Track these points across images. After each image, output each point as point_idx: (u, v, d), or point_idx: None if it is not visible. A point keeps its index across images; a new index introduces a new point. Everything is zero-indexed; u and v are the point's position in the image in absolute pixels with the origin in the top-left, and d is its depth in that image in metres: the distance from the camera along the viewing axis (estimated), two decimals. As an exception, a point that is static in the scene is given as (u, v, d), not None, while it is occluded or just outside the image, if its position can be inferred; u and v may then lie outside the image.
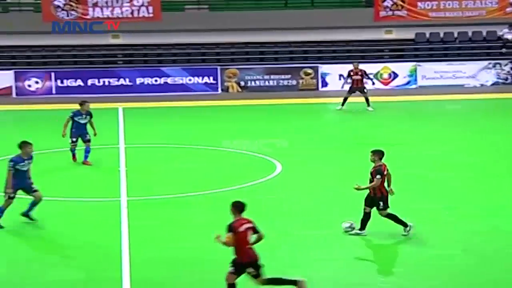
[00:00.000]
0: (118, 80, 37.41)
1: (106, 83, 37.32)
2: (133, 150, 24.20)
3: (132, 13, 38.96)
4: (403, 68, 38.50)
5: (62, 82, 37.16)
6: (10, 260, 14.42)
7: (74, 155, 21.99)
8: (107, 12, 38.87)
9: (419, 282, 13.28)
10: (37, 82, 37.05)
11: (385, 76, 38.31)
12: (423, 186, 19.73)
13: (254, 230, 11.90)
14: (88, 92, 36.39)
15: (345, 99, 31.58)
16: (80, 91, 36.43)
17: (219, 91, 37.80)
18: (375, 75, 38.10)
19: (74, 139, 21.89)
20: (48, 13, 38.59)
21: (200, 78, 37.76)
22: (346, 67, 37.53)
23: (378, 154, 15.45)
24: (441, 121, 30.06)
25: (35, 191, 16.15)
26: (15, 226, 15.74)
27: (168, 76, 37.68)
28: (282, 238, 15.42)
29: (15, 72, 37.02)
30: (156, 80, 37.60)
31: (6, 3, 41.11)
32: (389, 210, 15.36)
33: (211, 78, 37.78)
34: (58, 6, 38.58)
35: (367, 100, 31.66)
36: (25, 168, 16.01)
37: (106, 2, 38.77)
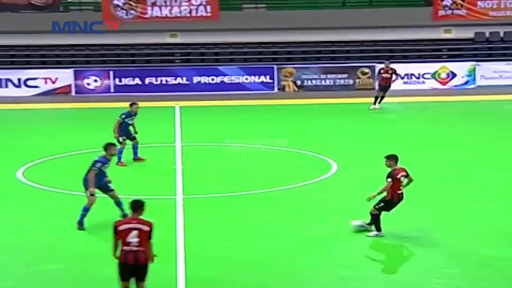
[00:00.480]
0: (175, 79, 37.68)
1: (164, 82, 37.63)
2: (189, 149, 24.35)
3: (190, 12, 39.23)
4: (461, 68, 38.07)
5: (120, 81, 37.56)
6: (67, 256, 14.62)
7: (120, 158, 21.80)
8: (165, 11, 39.21)
9: (476, 283, 13.13)
10: (96, 81, 37.50)
11: (443, 76, 37.94)
12: (480, 186, 19.50)
13: (148, 235, 11.09)
14: (145, 91, 36.79)
15: (379, 98, 31.62)
16: (138, 90, 36.82)
17: (276, 90, 37.83)
18: (433, 75, 37.79)
19: (124, 138, 22.11)
20: (108, 12, 39.09)
21: (257, 77, 37.85)
22: (403, 67, 37.42)
23: (392, 158, 15.36)
24: (499, 121, 29.66)
25: (111, 190, 16.26)
26: (73, 223, 15.93)
27: (224, 75, 37.84)
28: (335, 238, 15.38)
29: (74, 70, 37.53)
30: (213, 79, 37.78)
31: (67, 3, 41.68)
32: (381, 214, 15.26)
33: (268, 77, 37.84)
34: (118, 5, 39.03)
35: (382, 98, 31.54)
36: (106, 169, 16.14)
37: (165, 1, 39.10)
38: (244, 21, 39.58)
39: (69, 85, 37.36)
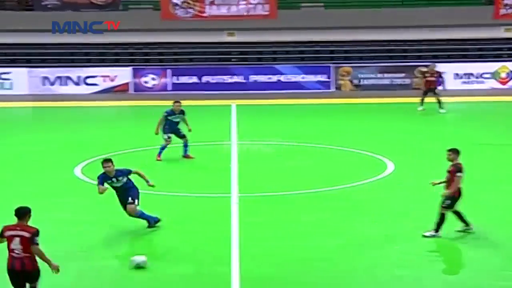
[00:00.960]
0: (232, 77, 37.81)
1: (220, 80, 37.78)
2: (245, 147, 24.40)
3: (248, 10, 39.32)
4: (522, 67, 37.52)
5: (177, 79, 37.81)
6: (123, 253, 14.76)
7: (160, 154, 22.22)
8: (223, 10, 39.35)
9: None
10: (153, 79, 37.82)
11: (503, 75, 37.38)
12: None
13: (29, 241, 11.00)
14: (202, 89, 37.00)
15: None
16: (195, 88, 37.04)
17: (332, 89, 37.70)
18: (493, 74, 37.27)
19: (170, 135, 22.31)
20: (166, 11, 39.40)
21: (314, 76, 37.77)
22: (462, 66, 37.01)
23: (457, 152, 15.27)
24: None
25: (127, 204, 15.60)
26: (129, 221, 16.04)
27: (281, 73, 37.83)
28: (391, 238, 15.26)
29: (133, 68, 37.91)
30: (269, 78, 37.79)
31: (127, 1, 42.07)
32: (451, 210, 15.09)
33: (325, 76, 37.74)
34: (176, 4, 39.31)
35: (439, 101, 31.02)
36: (117, 184, 15.57)
37: (223, 0, 39.23)
38: (301, 19, 39.52)
39: (128, 83, 37.74)
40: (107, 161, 15.55)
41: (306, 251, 14.62)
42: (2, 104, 35.04)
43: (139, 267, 13.55)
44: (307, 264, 13.92)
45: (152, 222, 15.83)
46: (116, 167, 15.57)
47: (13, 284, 11.21)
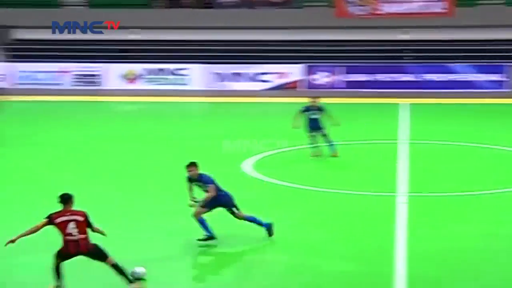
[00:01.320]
0: (405, 76, 37.40)
1: (393, 78, 37.43)
2: (416, 146, 24.07)
3: (424, 8, 38.79)
4: None
5: (350, 77, 37.79)
6: (289, 248, 14.89)
7: (313, 152, 22.11)
8: (398, 8, 38.99)
9: None
10: (326, 76, 37.99)
11: None
12: None
13: (86, 223, 11.87)
14: (374, 87, 36.79)
15: None
16: (368, 86, 36.91)
17: (509, 89, 36.55)
18: None
19: (311, 134, 22.21)
20: (341, 8, 39.50)
21: (489, 75, 36.77)
22: None
23: None
24: None
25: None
26: (284, 215, 16.13)
27: (455, 72, 37.08)
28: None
29: (305, 65, 38.20)
30: (443, 76, 37.12)
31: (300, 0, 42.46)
32: None
33: (500, 75, 36.66)
34: (351, 2, 39.31)
35: None
36: (203, 189, 14.86)
37: (398, -3, 38.99)
38: (478, 17, 38.48)
39: (300, 80, 38.10)
40: (190, 165, 14.87)
41: (476, 253, 14.24)
42: (178, 99, 36.26)
43: (139, 278, 12.50)
44: (475, 265, 13.60)
45: (205, 235, 14.56)
46: (203, 172, 14.90)
47: (62, 259, 11.84)
